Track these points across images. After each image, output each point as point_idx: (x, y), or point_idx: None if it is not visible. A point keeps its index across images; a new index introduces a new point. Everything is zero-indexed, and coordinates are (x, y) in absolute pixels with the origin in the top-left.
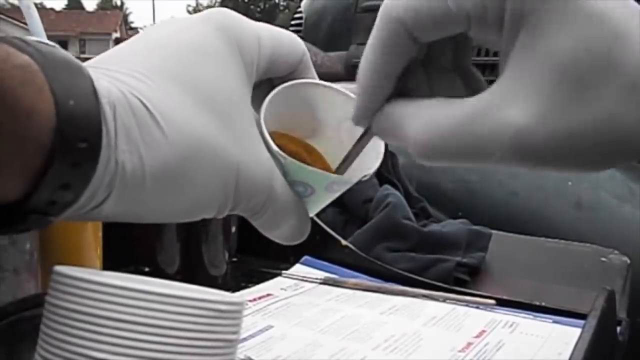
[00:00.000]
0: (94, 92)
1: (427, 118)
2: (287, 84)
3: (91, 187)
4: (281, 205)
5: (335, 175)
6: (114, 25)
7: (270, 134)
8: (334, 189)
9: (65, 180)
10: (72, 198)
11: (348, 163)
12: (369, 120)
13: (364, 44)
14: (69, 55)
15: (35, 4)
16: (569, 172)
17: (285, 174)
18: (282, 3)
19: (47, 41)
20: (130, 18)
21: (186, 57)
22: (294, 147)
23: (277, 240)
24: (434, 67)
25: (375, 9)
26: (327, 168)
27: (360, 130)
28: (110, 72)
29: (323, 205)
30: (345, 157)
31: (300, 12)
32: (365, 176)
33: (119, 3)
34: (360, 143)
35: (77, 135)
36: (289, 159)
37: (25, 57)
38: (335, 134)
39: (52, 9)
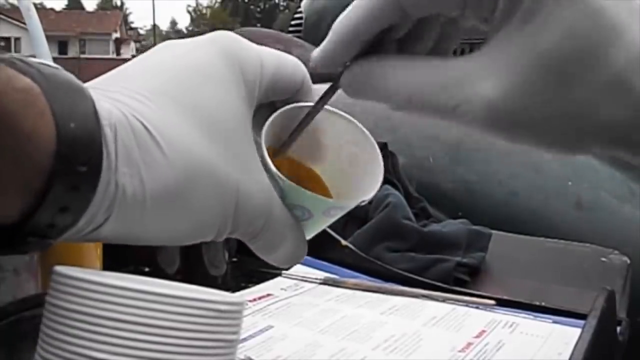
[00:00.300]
0: (95, 114)
1: (406, 74)
2: (289, 106)
3: (90, 210)
4: (279, 229)
5: (334, 201)
6: (114, 25)
7: (270, 156)
8: (331, 214)
9: (64, 203)
10: (71, 221)
11: (298, 132)
12: (331, 68)
13: None
14: (71, 76)
15: (35, 4)
16: (541, 149)
17: (283, 197)
18: (282, 3)
19: (50, 63)
20: (130, 18)
21: (188, 80)
22: (294, 170)
23: (273, 264)
24: (409, 48)
25: None
26: (326, 193)
27: (362, 158)
28: (112, 93)
29: (320, 229)
30: (302, 120)
31: (300, 12)
32: (363, 201)
33: (119, 3)
34: (322, 101)
35: (78, 158)
36: (288, 182)
37: (27, 80)
38: (336, 158)
39: (52, 9)
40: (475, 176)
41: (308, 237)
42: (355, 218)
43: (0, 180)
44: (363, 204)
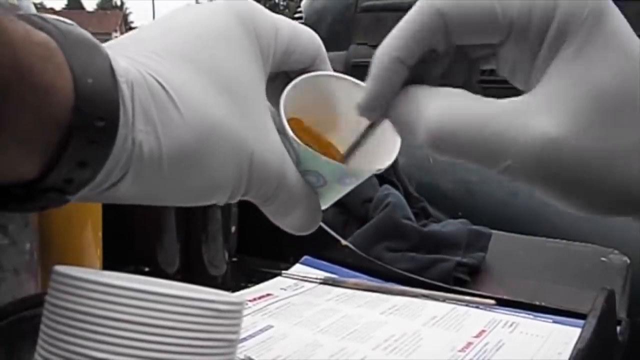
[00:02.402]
0: (112, 70)
1: (445, 103)
2: (310, 74)
3: (108, 165)
4: (292, 193)
5: (347, 166)
6: (114, 25)
7: (288, 122)
8: (345, 182)
9: (82, 157)
10: (89, 176)
11: (353, 150)
12: (380, 107)
13: (364, 44)
14: (86, 33)
15: (35, 4)
16: (579, 207)
17: (298, 162)
18: (282, 3)
19: (65, 19)
20: (130, 18)
21: (205, 42)
22: (310, 138)
23: (287, 230)
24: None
25: (375, 9)
26: (341, 161)
27: (380, 131)
28: (128, 52)
29: (335, 198)
30: (353, 144)
31: (300, 12)
32: (378, 170)
33: (118, 3)
34: (370, 130)
35: (95, 113)
36: (303, 146)
37: (44, 35)
38: (353, 130)
39: (52, 9)
40: (475, 176)
41: (323, 206)
42: (355, 218)
43: (20, 135)
44: (379, 172)
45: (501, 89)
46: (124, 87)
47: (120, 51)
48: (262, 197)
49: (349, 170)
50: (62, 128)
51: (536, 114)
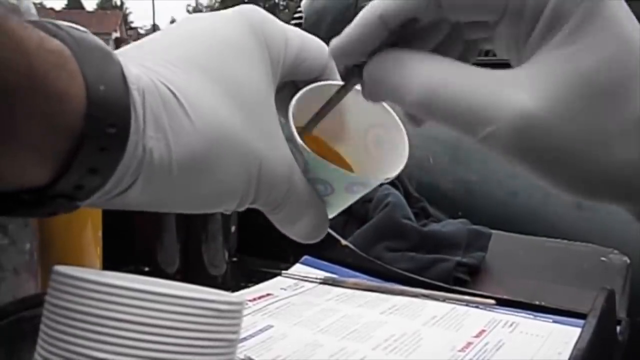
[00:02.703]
0: (124, 78)
1: (436, 68)
2: (319, 83)
3: (118, 173)
4: (300, 201)
5: (355, 175)
6: (114, 25)
7: (297, 130)
8: (353, 190)
9: (93, 164)
10: (99, 183)
11: (319, 118)
12: (354, 54)
13: None
14: (99, 41)
15: (35, 4)
16: (558, 185)
17: (306, 170)
18: (282, 3)
19: (78, 27)
20: (130, 18)
21: (215, 50)
22: (317, 147)
23: (294, 238)
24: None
25: None
26: (349, 171)
27: (388, 141)
28: (140, 60)
29: (342, 207)
30: (320, 110)
31: (300, 12)
32: (387, 179)
33: (118, 3)
34: (339, 95)
35: (107, 120)
36: (312, 154)
37: (58, 42)
38: (361, 140)
39: (52, 9)
40: (475, 176)
41: (330, 215)
42: (355, 218)
43: (31, 142)
44: (387, 181)
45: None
46: (136, 94)
47: (132, 59)
48: (270, 205)
49: (357, 179)
50: (74, 135)
51: (518, 88)
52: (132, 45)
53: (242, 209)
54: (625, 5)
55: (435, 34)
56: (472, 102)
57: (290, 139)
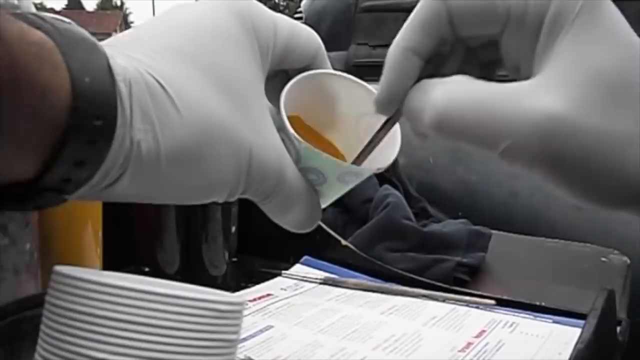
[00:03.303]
0: (109, 69)
1: (449, 87)
2: (311, 72)
3: (106, 165)
4: (291, 191)
5: (348, 164)
6: (114, 25)
7: (288, 119)
8: (346, 180)
9: (80, 157)
10: (86, 175)
11: (367, 153)
12: (395, 100)
13: (364, 44)
14: (84, 32)
15: (35, 4)
16: (577, 193)
17: (298, 160)
18: (282, 3)
19: (62, 18)
20: (130, 18)
21: (203, 39)
22: (310, 136)
23: (287, 227)
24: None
25: (375, 9)
26: (342, 159)
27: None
28: (126, 50)
29: (335, 197)
30: (366, 146)
31: (300, 12)
32: (379, 169)
33: (118, 3)
34: (383, 130)
35: (93, 112)
36: (305, 143)
37: (41, 34)
38: (354, 128)
39: (52, 9)
40: (475, 176)
41: (323, 205)
42: (355, 218)
43: (17, 136)
44: (379, 171)
45: None
46: (122, 86)
47: (118, 49)
48: (261, 194)
49: (350, 168)
50: (59, 128)
51: (539, 94)
52: (119, 35)
53: (233, 199)
54: (618, 12)
55: (453, 58)
56: (491, 113)
57: (281, 129)
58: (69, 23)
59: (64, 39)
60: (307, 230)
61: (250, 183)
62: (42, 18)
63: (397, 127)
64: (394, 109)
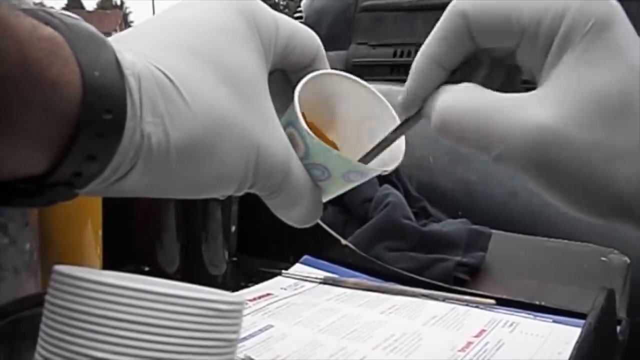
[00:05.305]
0: (118, 64)
1: (453, 94)
2: (321, 71)
3: (116, 159)
4: (298, 186)
5: (356, 163)
6: (114, 25)
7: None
8: (350, 178)
9: (91, 151)
10: (97, 169)
11: (376, 153)
12: (415, 104)
13: (364, 43)
14: (92, 27)
15: (35, 4)
16: (571, 204)
17: (306, 155)
18: (282, 3)
19: (70, 14)
20: (130, 17)
21: (210, 35)
22: (314, 133)
23: (290, 223)
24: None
25: (375, 9)
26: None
27: (382, 131)
28: (134, 45)
29: (336, 193)
30: (375, 147)
31: (300, 11)
32: (385, 171)
33: (118, 2)
34: (398, 131)
35: (103, 106)
36: (317, 139)
37: (51, 30)
38: (354, 130)
39: (51, 9)
40: (475, 176)
41: (324, 200)
42: (355, 218)
43: (28, 130)
44: (384, 173)
45: None
46: (131, 80)
47: (125, 45)
48: (268, 189)
49: (357, 166)
50: (70, 122)
51: (534, 105)
52: (126, 31)
53: (240, 193)
54: (632, 31)
55: (480, 67)
56: (487, 120)
57: (291, 124)
58: (77, 19)
59: (73, 34)
60: (309, 225)
61: (258, 177)
62: (50, 14)
63: None
64: (413, 111)
